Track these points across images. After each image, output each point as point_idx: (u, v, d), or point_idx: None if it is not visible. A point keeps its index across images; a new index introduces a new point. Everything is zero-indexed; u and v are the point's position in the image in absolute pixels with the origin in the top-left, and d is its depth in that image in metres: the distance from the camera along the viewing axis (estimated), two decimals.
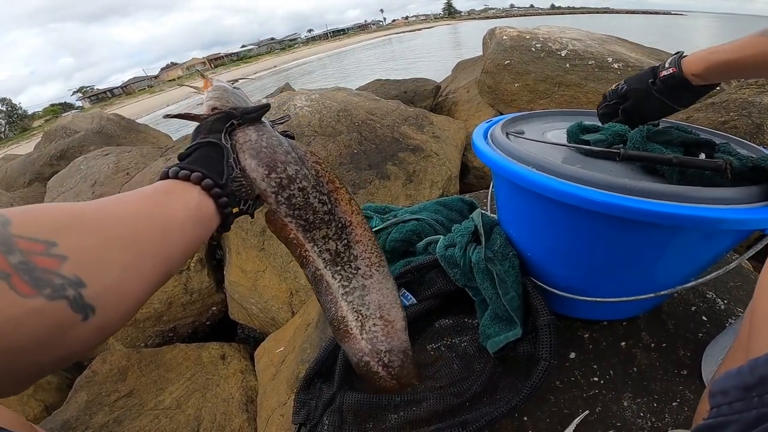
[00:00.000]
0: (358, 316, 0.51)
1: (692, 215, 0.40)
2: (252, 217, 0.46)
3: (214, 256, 2.55)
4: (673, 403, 0.58)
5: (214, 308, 2.52)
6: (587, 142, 0.55)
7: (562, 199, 0.45)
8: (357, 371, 0.51)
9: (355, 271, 0.51)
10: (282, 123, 0.53)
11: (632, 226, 0.45)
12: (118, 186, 2.41)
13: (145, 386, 1.99)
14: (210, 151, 0.41)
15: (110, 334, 0.29)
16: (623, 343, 0.66)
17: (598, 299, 0.57)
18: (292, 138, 0.50)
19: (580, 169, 0.46)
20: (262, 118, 0.48)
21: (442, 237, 0.75)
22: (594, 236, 0.51)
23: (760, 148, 0.56)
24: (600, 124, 0.64)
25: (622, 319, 0.69)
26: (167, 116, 0.50)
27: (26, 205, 0.27)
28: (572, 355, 0.66)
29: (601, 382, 0.62)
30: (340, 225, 0.49)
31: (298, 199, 0.45)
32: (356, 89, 3.33)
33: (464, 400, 0.65)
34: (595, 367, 0.64)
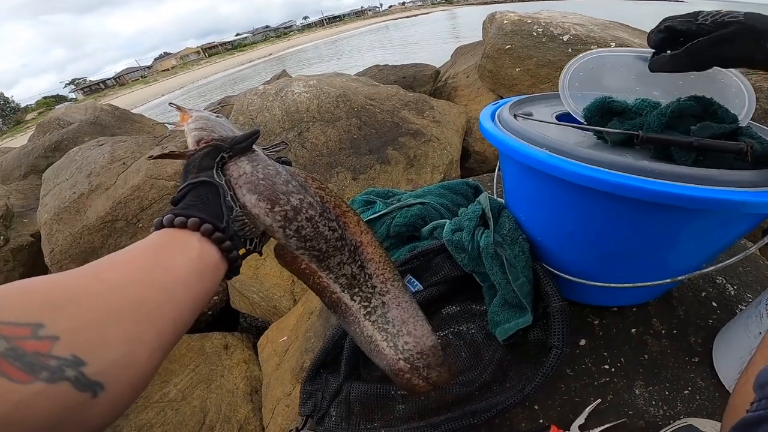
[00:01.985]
0: (387, 336, 0.49)
1: (717, 198, 0.38)
2: (260, 254, 0.43)
3: None
4: (685, 391, 0.57)
5: (215, 297, 2.52)
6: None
7: (579, 182, 0.43)
8: (395, 382, 0.51)
9: (372, 290, 0.49)
10: (276, 150, 0.50)
11: (651, 209, 0.43)
12: (114, 176, 2.38)
13: None
14: (204, 191, 0.38)
15: (128, 404, 0.28)
16: (634, 330, 0.65)
17: (611, 285, 0.56)
18: (290, 164, 0.48)
19: (597, 152, 0.44)
20: (254, 146, 0.45)
21: (448, 221, 0.73)
22: (610, 220, 0.49)
23: None
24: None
25: (633, 305, 0.68)
26: (151, 157, 0.48)
27: (5, 285, 0.25)
28: (582, 342, 0.65)
29: (612, 369, 0.61)
30: (352, 248, 0.47)
31: (308, 230, 0.43)
32: (354, 75, 3.29)
33: (473, 389, 0.64)
34: (605, 354, 0.63)
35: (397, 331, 0.50)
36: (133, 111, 5.04)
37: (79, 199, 2.35)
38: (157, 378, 2.00)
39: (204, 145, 0.42)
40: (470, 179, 1.10)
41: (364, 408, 0.68)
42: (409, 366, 0.49)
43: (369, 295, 0.49)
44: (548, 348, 0.56)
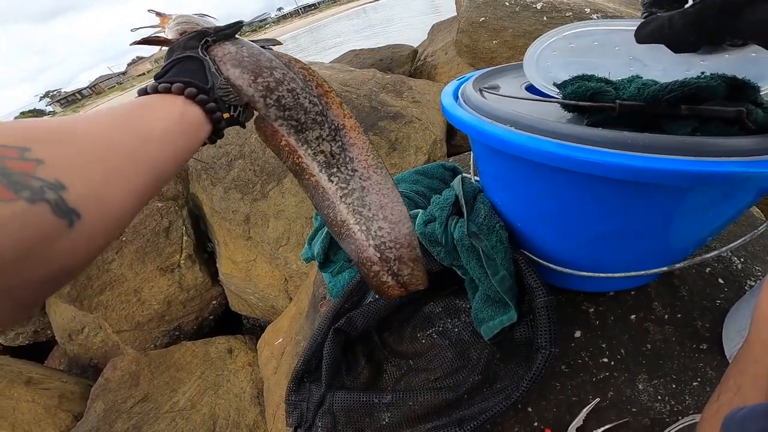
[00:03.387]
0: (360, 218, 0.47)
1: (722, 171, 0.31)
2: (243, 127, 0.44)
3: (204, 249, 2.49)
4: (694, 383, 0.51)
5: (214, 302, 2.52)
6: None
7: (544, 161, 0.36)
8: (364, 276, 0.48)
9: (352, 173, 0.47)
10: (265, 44, 0.48)
11: (641, 188, 0.36)
12: None
13: (158, 389, 2.02)
14: (189, 63, 0.39)
15: (101, 246, 0.28)
16: (633, 317, 0.58)
17: (599, 275, 0.49)
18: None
19: (571, 125, 0.37)
20: (238, 36, 0.45)
21: (421, 211, 0.67)
22: (586, 202, 0.42)
23: None
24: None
25: (630, 288, 0.61)
26: (133, 44, 0.46)
27: None
28: (577, 334, 0.59)
29: (612, 363, 0.55)
30: (333, 127, 0.46)
31: (288, 99, 0.43)
32: (329, 62, 3.19)
33: (461, 393, 0.58)
34: (603, 346, 0.57)
35: (373, 215, 0.47)
36: None
37: None
38: (166, 387, 2.04)
39: (188, 33, 0.42)
40: (449, 160, 1.04)
41: (349, 419, 0.65)
42: (378, 256, 0.47)
43: (348, 177, 0.47)
44: (536, 348, 0.50)
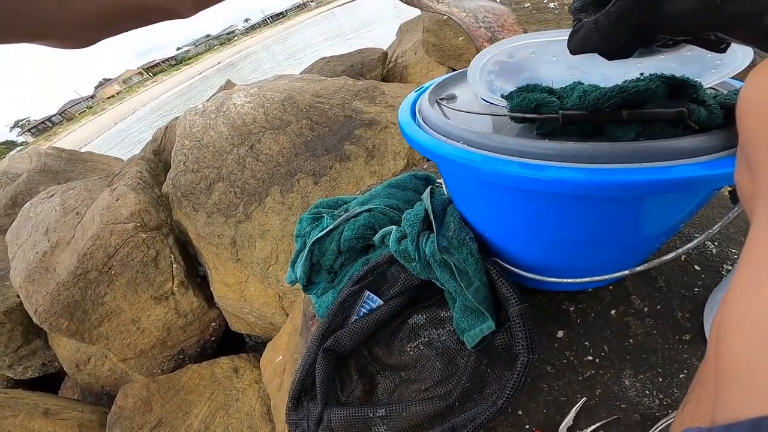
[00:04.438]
0: (467, 10, 0.57)
1: (662, 179, 0.31)
2: None
3: (196, 273, 2.48)
4: (680, 375, 0.51)
5: (213, 324, 2.53)
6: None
7: (494, 180, 0.37)
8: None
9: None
10: None
11: (591, 198, 0.37)
12: (71, 228, 2.27)
13: (171, 413, 2.06)
14: None
15: None
16: (613, 312, 0.58)
17: (566, 280, 0.50)
18: None
19: (521, 138, 0.37)
20: None
21: (394, 228, 0.67)
22: (547, 214, 0.42)
23: (731, 80, 0.43)
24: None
25: (608, 284, 0.62)
26: None
27: None
28: (560, 334, 0.59)
29: (597, 360, 0.55)
30: None
31: None
32: (299, 73, 3.19)
33: (452, 401, 0.59)
34: (587, 344, 0.57)
35: (478, 8, 0.57)
36: (88, 146, 4.85)
37: (44, 258, 2.27)
38: (178, 411, 2.07)
39: None
40: (420, 169, 1.04)
41: None
42: (489, 35, 0.54)
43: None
44: (514, 356, 0.51)
